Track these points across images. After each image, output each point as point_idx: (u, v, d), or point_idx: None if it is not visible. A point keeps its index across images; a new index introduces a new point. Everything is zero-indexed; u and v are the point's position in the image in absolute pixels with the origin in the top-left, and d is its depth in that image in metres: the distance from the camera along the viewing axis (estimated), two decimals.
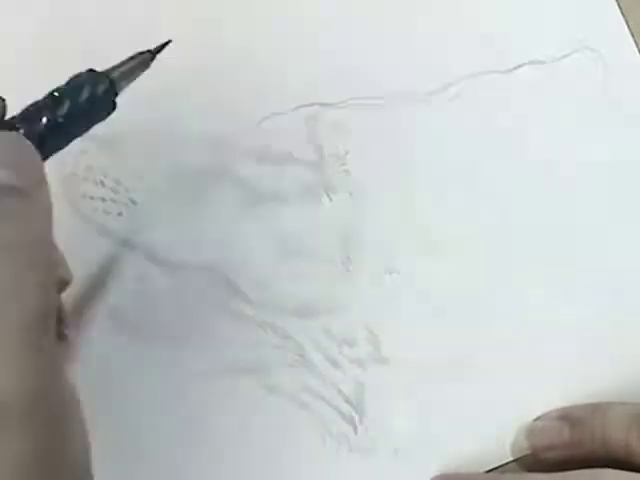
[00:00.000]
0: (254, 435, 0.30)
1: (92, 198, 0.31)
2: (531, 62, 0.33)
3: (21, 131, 0.22)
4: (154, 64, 0.31)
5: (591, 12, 0.34)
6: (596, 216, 0.32)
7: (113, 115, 0.30)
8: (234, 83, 0.32)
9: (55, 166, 0.31)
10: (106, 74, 0.24)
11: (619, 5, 0.33)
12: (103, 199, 0.31)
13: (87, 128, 0.24)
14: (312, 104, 0.32)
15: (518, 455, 0.31)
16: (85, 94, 0.23)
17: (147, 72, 0.31)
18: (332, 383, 0.31)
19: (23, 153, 0.22)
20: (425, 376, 0.31)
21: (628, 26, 0.33)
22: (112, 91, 0.24)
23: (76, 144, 0.31)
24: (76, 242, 0.30)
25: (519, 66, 0.33)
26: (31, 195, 0.22)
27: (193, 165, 0.31)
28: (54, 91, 0.23)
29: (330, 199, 0.31)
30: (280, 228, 0.31)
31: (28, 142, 0.22)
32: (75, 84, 0.23)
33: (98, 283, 0.30)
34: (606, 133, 0.33)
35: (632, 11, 0.33)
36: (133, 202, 0.31)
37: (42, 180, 0.22)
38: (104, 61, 0.24)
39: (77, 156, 0.31)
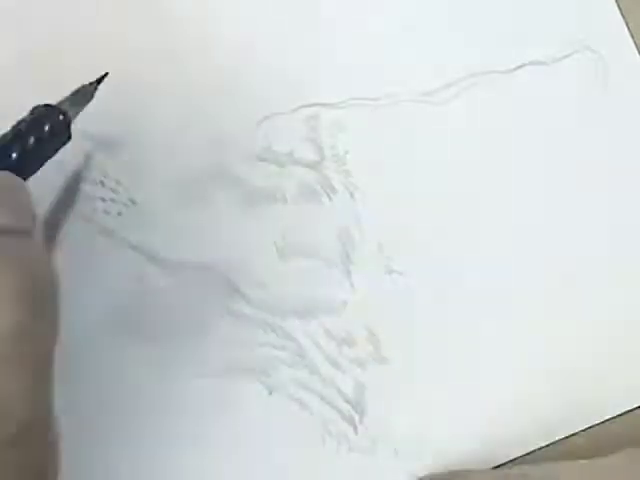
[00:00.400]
0: (254, 435, 0.30)
1: (92, 198, 0.31)
2: (531, 62, 0.33)
3: None
4: (153, 65, 0.31)
5: (591, 13, 0.34)
6: (596, 216, 0.33)
7: (113, 115, 0.30)
8: (234, 83, 0.31)
9: (55, 166, 0.31)
10: (60, 108, 0.26)
11: (619, 6, 0.33)
12: (103, 199, 0.31)
13: (49, 157, 0.26)
14: (312, 104, 0.32)
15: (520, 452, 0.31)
16: (47, 127, 0.25)
17: (147, 73, 0.31)
18: (332, 383, 0.31)
19: (20, 194, 0.23)
20: (425, 376, 0.31)
21: (628, 27, 0.33)
22: (67, 122, 0.26)
23: (76, 144, 0.31)
24: (76, 242, 0.30)
25: (519, 66, 0.33)
26: (31, 234, 0.22)
27: (193, 165, 0.31)
28: (18, 126, 0.25)
29: (330, 199, 0.31)
30: (280, 228, 0.31)
31: (22, 181, 0.23)
32: (36, 118, 0.25)
33: (97, 281, 0.30)
34: (606, 133, 0.33)
35: (632, 12, 0.33)
36: (133, 202, 0.31)
37: (35, 215, 0.23)
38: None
39: (77, 156, 0.31)
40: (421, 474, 0.30)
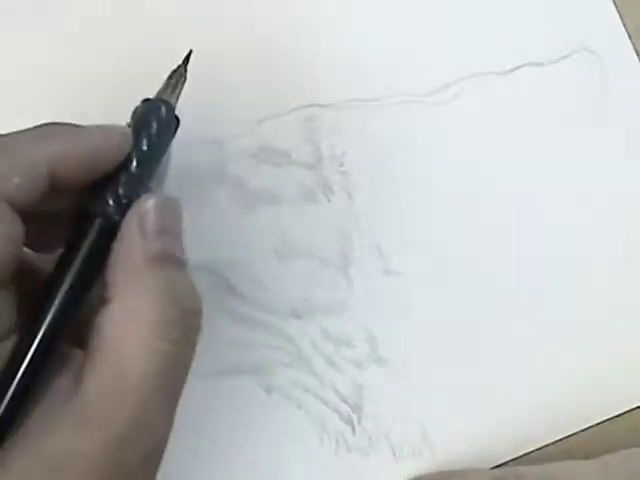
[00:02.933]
0: (252, 435, 0.30)
1: None
2: (529, 63, 0.33)
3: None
4: (153, 65, 0.31)
5: (589, 14, 0.34)
6: (596, 216, 0.32)
7: (113, 115, 0.30)
8: (233, 83, 0.32)
9: None
10: (161, 99, 0.25)
11: (617, 6, 0.34)
12: None
13: (165, 150, 0.25)
14: (310, 105, 0.32)
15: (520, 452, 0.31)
16: (155, 122, 0.24)
17: (147, 73, 0.31)
18: (330, 383, 0.31)
19: (178, 217, 0.23)
20: (423, 376, 0.31)
21: (626, 27, 0.33)
22: (172, 111, 0.25)
23: None
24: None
25: (517, 67, 0.33)
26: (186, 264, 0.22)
27: (193, 165, 0.31)
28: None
29: (328, 200, 0.31)
30: (278, 229, 0.31)
31: (178, 203, 0.23)
32: (142, 118, 0.24)
33: None
34: (605, 134, 0.33)
35: (629, 13, 0.33)
36: None
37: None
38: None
39: None
40: (419, 474, 0.30)
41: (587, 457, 0.30)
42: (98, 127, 0.22)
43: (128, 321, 0.20)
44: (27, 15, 0.32)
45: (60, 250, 0.23)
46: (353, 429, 0.30)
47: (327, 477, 0.30)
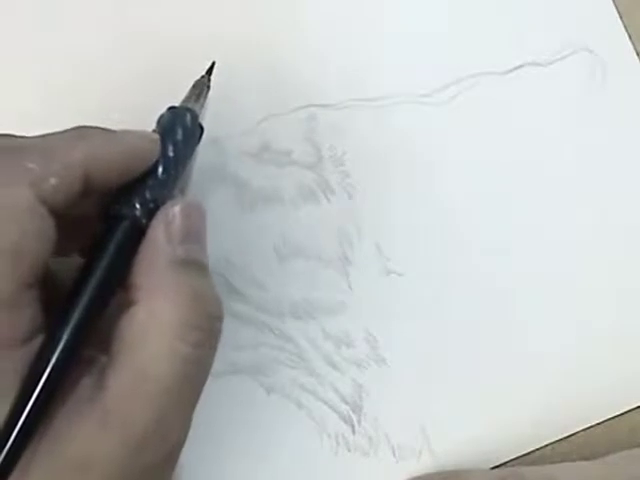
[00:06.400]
0: (252, 435, 0.30)
1: None
2: (529, 63, 0.33)
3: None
4: (153, 65, 0.31)
5: (589, 14, 0.34)
6: (597, 216, 0.32)
7: (113, 115, 0.30)
8: (234, 84, 0.32)
9: None
10: (186, 107, 0.26)
11: (617, 7, 0.34)
12: None
13: (190, 157, 0.25)
14: (311, 105, 0.32)
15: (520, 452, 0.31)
16: (180, 130, 0.25)
17: (147, 73, 0.32)
18: (330, 383, 0.31)
19: (203, 223, 0.23)
20: (423, 376, 0.31)
21: (626, 28, 0.33)
22: (196, 119, 0.26)
23: None
24: None
25: (518, 67, 0.33)
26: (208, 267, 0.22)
27: (193, 165, 0.31)
28: None
29: (328, 200, 0.31)
30: (278, 229, 0.31)
31: (203, 208, 0.23)
32: (168, 124, 0.25)
33: None
34: (604, 134, 0.33)
35: (630, 13, 0.33)
36: None
37: None
38: None
39: None
40: (419, 474, 0.30)
41: (587, 457, 0.30)
42: (129, 132, 0.23)
43: (151, 324, 0.20)
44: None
45: (74, 254, 0.23)
46: (353, 429, 0.30)
47: (327, 477, 0.30)
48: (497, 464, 0.31)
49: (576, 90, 0.33)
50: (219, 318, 0.22)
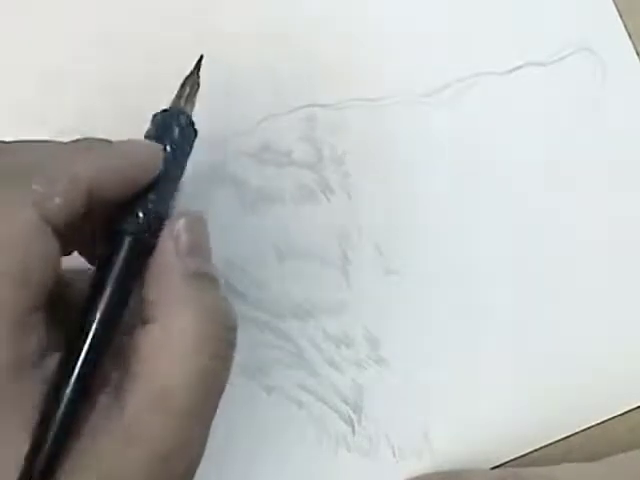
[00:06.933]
0: (252, 435, 0.30)
1: None
2: (530, 63, 0.33)
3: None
4: (153, 65, 0.31)
5: (589, 14, 0.34)
6: (596, 216, 0.32)
7: (113, 115, 0.30)
8: (234, 83, 0.32)
9: None
10: (179, 109, 0.25)
11: (617, 7, 0.34)
12: None
13: (185, 162, 0.25)
14: (311, 105, 0.32)
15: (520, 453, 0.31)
16: (176, 131, 0.24)
17: (147, 73, 0.32)
18: (330, 383, 0.31)
19: (207, 235, 0.23)
20: (423, 376, 0.31)
21: (626, 28, 0.33)
22: (189, 118, 0.25)
23: None
24: None
25: (518, 67, 0.33)
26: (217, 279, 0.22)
27: (193, 165, 0.31)
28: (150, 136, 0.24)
29: (328, 200, 0.31)
30: (278, 229, 0.31)
31: (205, 220, 0.23)
32: (163, 126, 0.24)
33: None
34: (604, 134, 0.33)
35: (630, 13, 0.33)
36: None
37: None
38: None
39: None
40: (419, 474, 0.30)
41: (587, 457, 0.30)
42: (131, 142, 0.22)
43: (168, 339, 0.20)
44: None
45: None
46: (353, 429, 0.30)
47: (327, 477, 0.30)
48: (497, 464, 0.31)
49: (576, 90, 0.33)
50: (234, 329, 0.22)
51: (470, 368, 0.31)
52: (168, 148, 0.23)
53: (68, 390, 0.20)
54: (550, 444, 0.31)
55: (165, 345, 0.20)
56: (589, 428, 0.31)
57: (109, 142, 0.22)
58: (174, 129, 0.24)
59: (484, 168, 0.32)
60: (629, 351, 0.32)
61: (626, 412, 0.31)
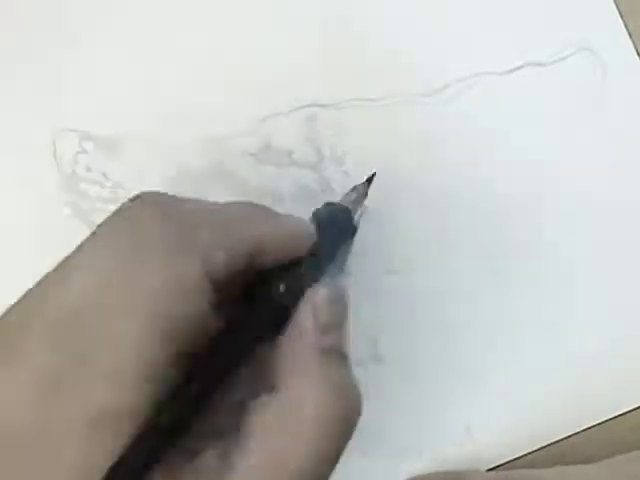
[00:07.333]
0: None
1: (91, 198, 0.31)
2: (530, 63, 0.33)
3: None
4: (153, 65, 0.31)
5: (590, 14, 0.34)
6: (596, 216, 0.33)
7: (114, 115, 0.30)
8: (234, 83, 0.32)
9: (55, 166, 0.31)
10: (341, 205, 0.27)
11: (618, 7, 0.34)
12: (103, 199, 0.31)
13: (339, 251, 0.26)
14: (311, 105, 0.32)
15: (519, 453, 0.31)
16: (334, 227, 0.26)
17: (147, 73, 0.32)
18: None
19: (346, 310, 0.22)
20: (422, 376, 0.31)
21: (627, 28, 0.33)
22: (351, 218, 0.27)
23: (76, 144, 0.31)
24: (76, 242, 0.30)
25: (518, 67, 0.33)
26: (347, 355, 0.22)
27: (193, 165, 0.31)
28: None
29: None
30: None
31: (346, 293, 0.22)
32: (323, 219, 0.26)
33: None
34: (605, 134, 0.33)
35: (631, 13, 0.33)
36: None
37: None
38: None
39: (77, 156, 0.31)
40: (419, 474, 0.30)
41: (587, 458, 0.30)
42: (291, 216, 0.23)
43: (292, 413, 0.20)
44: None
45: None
46: None
47: None
48: (497, 464, 0.31)
49: (576, 90, 0.33)
50: (359, 412, 0.21)
51: (470, 368, 0.31)
52: (325, 236, 0.24)
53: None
54: (550, 444, 0.31)
55: (287, 420, 0.20)
56: (589, 428, 0.31)
57: (273, 211, 0.22)
58: (333, 221, 0.26)
59: (484, 168, 0.32)
60: (629, 351, 0.32)
61: (626, 412, 0.31)
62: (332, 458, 0.20)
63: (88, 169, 0.31)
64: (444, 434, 0.31)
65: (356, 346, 0.31)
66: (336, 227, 0.26)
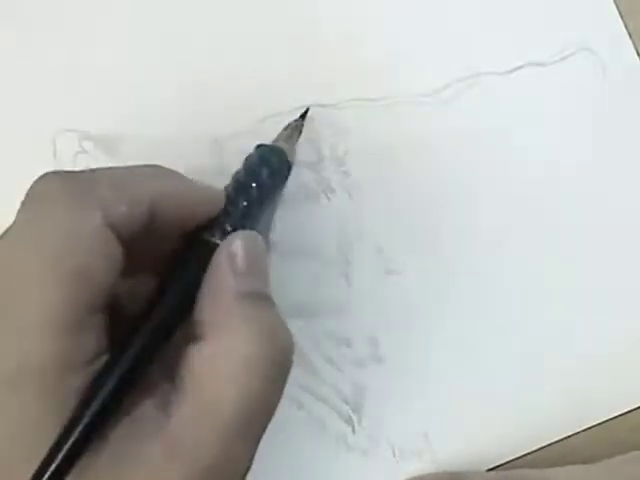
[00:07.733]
0: None
1: None
2: (530, 63, 0.33)
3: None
4: (154, 65, 0.31)
5: (590, 14, 0.34)
6: (596, 217, 0.32)
7: (114, 115, 0.30)
8: (234, 83, 0.32)
9: (55, 166, 0.31)
10: (273, 145, 0.28)
11: (618, 7, 0.34)
12: None
13: (273, 195, 0.27)
14: (311, 105, 0.32)
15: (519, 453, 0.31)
16: (265, 168, 0.26)
17: (148, 73, 0.32)
18: (331, 383, 0.31)
19: (265, 256, 0.23)
20: (423, 376, 0.31)
21: (627, 28, 0.33)
22: (286, 159, 0.28)
23: (76, 144, 0.31)
24: None
25: (518, 67, 0.33)
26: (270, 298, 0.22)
27: (192, 165, 0.31)
28: (241, 174, 0.26)
29: (329, 199, 0.31)
30: (278, 228, 0.31)
31: (263, 242, 0.23)
32: (254, 161, 0.26)
33: None
34: (605, 135, 0.33)
35: (631, 13, 0.33)
36: None
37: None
38: None
39: (77, 156, 0.31)
40: (419, 474, 0.30)
41: (587, 458, 0.30)
42: (199, 183, 0.23)
43: (221, 358, 0.20)
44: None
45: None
46: (353, 429, 0.30)
47: (327, 477, 0.30)
48: (497, 464, 0.31)
49: (577, 90, 0.33)
50: (289, 351, 0.22)
51: (470, 368, 0.31)
52: (257, 179, 0.25)
53: (105, 390, 0.20)
54: (550, 444, 0.31)
55: (216, 365, 0.20)
56: (589, 428, 0.31)
57: (179, 174, 0.23)
58: (265, 163, 0.26)
59: (484, 168, 0.32)
60: (629, 351, 0.32)
61: (626, 412, 0.31)
62: (267, 399, 0.21)
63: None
64: (444, 434, 0.31)
65: (356, 346, 0.31)
66: (268, 169, 0.26)
